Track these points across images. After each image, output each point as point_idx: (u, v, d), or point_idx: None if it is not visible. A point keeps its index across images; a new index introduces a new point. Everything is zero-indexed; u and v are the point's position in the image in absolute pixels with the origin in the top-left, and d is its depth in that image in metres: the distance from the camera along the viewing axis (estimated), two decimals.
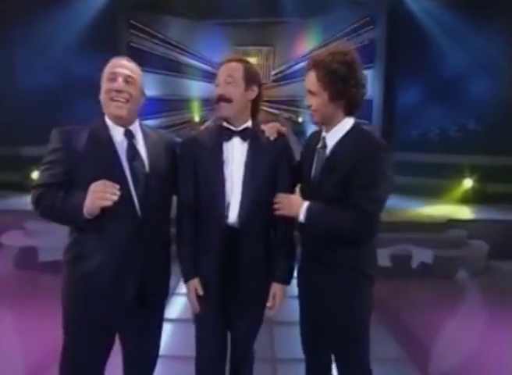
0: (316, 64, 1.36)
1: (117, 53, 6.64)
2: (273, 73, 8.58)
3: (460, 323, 2.86)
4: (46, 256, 3.76)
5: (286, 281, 1.53)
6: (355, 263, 1.40)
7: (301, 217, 1.37)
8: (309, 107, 1.42)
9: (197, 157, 1.47)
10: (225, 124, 1.49)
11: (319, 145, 1.46)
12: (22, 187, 6.03)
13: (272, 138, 1.51)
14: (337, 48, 1.39)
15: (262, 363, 1.84)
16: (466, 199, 5.88)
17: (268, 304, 1.50)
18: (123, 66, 1.39)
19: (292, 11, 7.68)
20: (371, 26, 7.44)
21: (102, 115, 1.42)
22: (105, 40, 7.13)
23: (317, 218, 1.35)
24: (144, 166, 1.40)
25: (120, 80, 1.36)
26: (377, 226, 1.33)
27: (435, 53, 6.28)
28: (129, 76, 1.39)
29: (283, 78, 8.42)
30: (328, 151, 1.41)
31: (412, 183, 6.54)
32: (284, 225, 1.51)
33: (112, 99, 1.36)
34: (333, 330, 1.44)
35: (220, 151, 1.46)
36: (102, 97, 1.39)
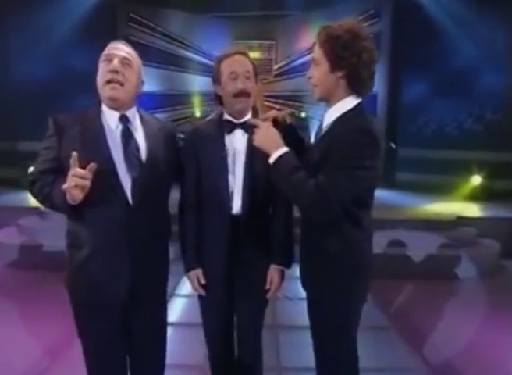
0: (321, 32, 1.30)
1: None
2: (275, 67, 8.43)
3: (471, 326, 2.75)
4: (42, 254, 3.65)
5: (284, 264, 1.56)
6: (344, 254, 1.33)
7: (271, 160, 1.29)
8: (309, 79, 1.35)
9: (199, 148, 1.51)
10: (226, 117, 1.53)
11: (318, 128, 1.41)
12: (18, 183, 5.92)
13: None
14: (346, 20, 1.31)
15: (268, 372, 1.74)
16: (474, 196, 5.75)
17: (267, 287, 1.54)
18: (119, 48, 1.36)
19: (294, 4, 7.54)
20: (376, 19, 7.27)
21: (99, 101, 1.39)
22: (104, 33, 6.99)
23: (282, 171, 1.28)
24: (138, 151, 1.37)
25: (116, 61, 1.33)
26: (333, 213, 1.24)
27: (444, 45, 6.12)
28: (126, 58, 1.35)
29: (286, 73, 8.27)
30: (323, 131, 1.35)
31: (418, 179, 6.42)
32: (283, 209, 1.56)
33: (107, 82, 1.32)
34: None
35: (222, 143, 1.50)
36: (98, 81, 1.35)
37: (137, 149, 1.37)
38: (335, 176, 1.21)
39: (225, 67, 1.47)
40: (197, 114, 8.13)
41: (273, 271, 1.55)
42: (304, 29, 8.19)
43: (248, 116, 1.52)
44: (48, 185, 1.31)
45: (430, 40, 6.30)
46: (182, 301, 2.97)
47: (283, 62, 8.37)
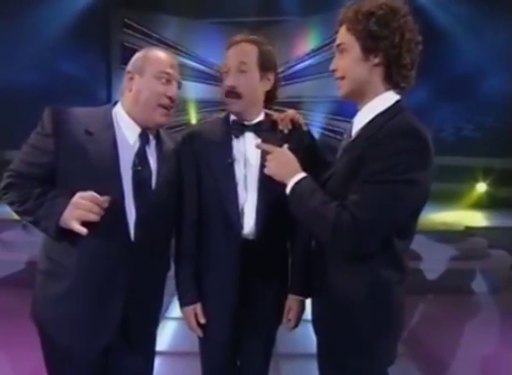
0: (347, 11, 1.03)
1: (110, 53, 6.32)
2: None
3: (483, 344, 2.58)
4: (24, 271, 3.40)
5: (304, 294, 1.32)
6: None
7: (287, 189, 1.03)
8: (334, 72, 1.06)
9: (201, 155, 1.25)
10: (233, 117, 1.29)
11: (346, 134, 1.13)
12: (2, 194, 5.68)
13: (286, 131, 1.27)
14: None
15: None
16: (479, 204, 5.58)
17: (285, 319, 1.34)
18: (177, 68, 1.20)
19: (291, 9, 7.46)
20: None
21: (114, 104, 1.20)
22: (98, 39, 6.86)
23: (299, 198, 1.01)
24: (151, 178, 1.16)
25: (175, 85, 1.19)
26: (365, 245, 0.93)
27: (445, 49, 5.99)
28: (180, 83, 1.22)
29: (284, 78, 8.11)
30: (351, 138, 1.06)
31: None
32: (303, 233, 1.29)
33: (160, 105, 1.15)
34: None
35: (229, 149, 1.25)
36: (146, 95, 1.14)
37: (150, 177, 1.16)
38: (367, 194, 0.90)
39: (226, 58, 1.24)
40: (193, 121, 7.98)
41: (293, 302, 1.33)
42: (302, 34, 8.10)
43: (260, 117, 1.28)
44: (33, 197, 1.08)
45: (430, 44, 6.11)
46: (173, 326, 2.68)
47: (281, 68, 8.20)
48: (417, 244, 3.81)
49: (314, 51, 7.71)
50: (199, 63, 8.16)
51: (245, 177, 1.24)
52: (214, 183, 1.23)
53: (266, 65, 1.23)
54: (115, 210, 1.08)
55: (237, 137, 1.26)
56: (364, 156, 0.94)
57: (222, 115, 1.34)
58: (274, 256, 1.30)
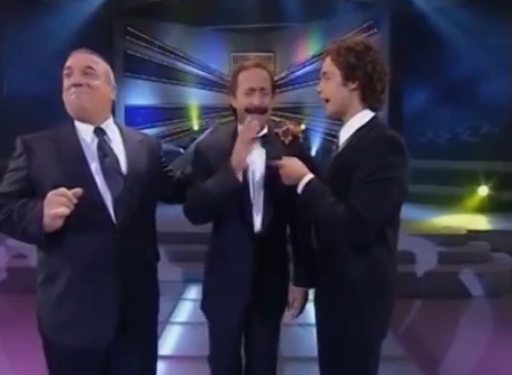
0: (332, 45, 1.28)
1: (113, 60, 6.34)
2: (274, 79, 8.34)
3: (485, 348, 2.57)
4: (30, 277, 3.44)
5: (306, 284, 1.48)
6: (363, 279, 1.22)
7: (299, 189, 1.26)
8: (320, 93, 1.31)
9: (215, 163, 1.39)
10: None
11: (334, 145, 1.37)
12: None
13: (287, 142, 1.47)
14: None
15: None
16: (482, 208, 5.57)
17: (290, 309, 1.50)
18: (79, 58, 1.26)
19: (292, 16, 7.49)
20: (375, 30, 7.21)
21: (71, 120, 1.29)
22: (101, 46, 6.86)
23: (311, 197, 1.24)
24: (118, 164, 1.25)
25: (76, 73, 1.23)
26: (369, 236, 1.16)
27: (444, 55, 6.05)
28: (88, 67, 1.25)
29: (285, 85, 8.19)
30: (339, 149, 1.30)
31: (423, 191, 6.23)
32: (303, 228, 1.48)
33: (71, 94, 1.23)
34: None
35: None
36: (63, 97, 1.26)
37: (117, 162, 1.25)
38: (365, 194, 1.12)
39: (242, 80, 1.40)
40: (195, 127, 8.01)
41: (296, 292, 1.49)
42: (302, 40, 8.16)
43: (265, 130, 1.45)
44: (15, 211, 1.13)
45: (431, 49, 6.22)
46: (177, 330, 2.70)
47: (282, 74, 8.29)
48: (420, 247, 3.85)
49: (314, 56, 7.76)
50: (201, 70, 8.23)
51: (253, 181, 1.42)
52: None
53: (274, 86, 1.46)
54: (92, 197, 1.16)
55: None
56: (353, 163, 1.16)
57: (230, 126, 1.51)
58: (278, 248, 1.47)
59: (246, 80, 1.39)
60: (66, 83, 1.24)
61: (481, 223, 4.96)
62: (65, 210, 1.05)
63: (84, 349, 1.19)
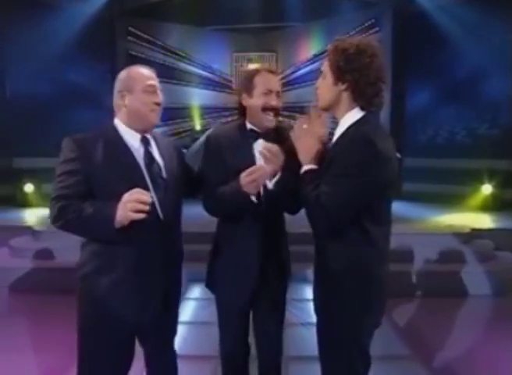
0: (331, 44, 1.34)
1: (116, 61, 6.39)
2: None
3: (490, 346, 2.55)
4: (32, 277, 3.45)
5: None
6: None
7: (301, 171, 1.33)
8: (316, 89, 1.39)
9: (227, 153, 1.54)
10: (250, 126, 1.58)
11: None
12: (12, 200, 5.74)
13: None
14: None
15: None
16: (485, 206, 5.55)
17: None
18: (156, 79, 1.44)
19: (294, 15, 7.48)
20: (377, 28, 7.18)
21: (110, 121, 1.44)
22: (103, 47, 6.93)
23: (303, 183, 1.32)
24: (161, 170, 1.42)
25: (159, 93, 1.42)
26: (332, 223, 1.24)
27: (447, 53, 6.03)
28: (160, 89, 1.45)
29: (287, 84, 8.18)
30: (331, 145, 1.39)
31: (426, 190, 6.23)
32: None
33: (152, 111, 1.40)
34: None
35: (251, 151, 1.54)
36: (138, 107, 1.39)
37: (160, 169, 1.42)
38: (333, 185, 1.21)
39: (260, 82, 1.53)
40: (198, 127, 8.01)
41: None
42: (304, 40, 8.15)
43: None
44: (85, 210, 1.27)
45: (431, 48, 6.21)
46: (181, 330, 2.64)
47: (284, 74, 8.29)
48: (423, 246, 3.83)
49: (316, 56, 7.75)
50: (203, 70, 8.24)
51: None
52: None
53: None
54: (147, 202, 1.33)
55: (253, 141, 1.56)
56: (333, 158, 1.26)
57: (237, 122, 1.63)
58: (280, 229, 1.62)
59: (264, 82, 1.52)
60: (148, 98, 1.38)
61: (484, 221, 4.94)
62: (142, 216, 1.23)
63: (124, 330, 1.37)
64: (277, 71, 1.62)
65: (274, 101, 1.52)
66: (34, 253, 3.69)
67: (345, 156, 1.21)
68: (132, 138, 1.40)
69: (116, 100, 1.41)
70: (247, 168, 1.44)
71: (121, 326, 1.36)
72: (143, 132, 1.42)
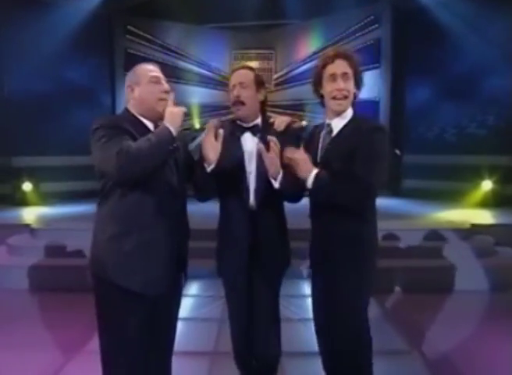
0: (345, 55, 1.58)
1: (114, 59, 6.38)
2: (275, 76, 8.32)
3: (491, 342, 2.53)
4: (32, 275, 3.44)
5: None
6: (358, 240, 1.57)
7: (309, 183, 1.51)
8: (343, 91, 1.57)
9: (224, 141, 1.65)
10: (238, 122, 1.73)
11: (324, 132, 1.65)
12: (11, 199, 5.73)
13: (278, 130, 1.71)
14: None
15: None
16: (485, 202, 5.53)
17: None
18: (159, 72, 1.57)
19: (292, 13, 7.45)
20: (376, 25, 7.17)
21: (126, 111, 1.55)
22: (101, 45, 6.92)
23: (323, 185, 1.50)
24: (177, 161, 1.56)
25: (164, 82, 1.54)
26: (375, 195, 1.56)
27: (447, 49, 6.00)
28: (164, 79, 1.58)
29: (285, 82, 8.16)
30: (334, 134, 1.61)
31: (425, 186, 6.22)
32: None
33: (160, 99, 1.51)
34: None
35: (239, 144, 1.69)
36: (147, 97, 1.51)
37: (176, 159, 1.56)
38: (370, 167, 1.48)
39: (231, 80, 1.72)
40: (197, 126, 7.99)
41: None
42: (303, 37, 8.12)
43: (257, 121, 1.73)
44: (139, 142, 1.40)
45: (433, 43, 6.18)
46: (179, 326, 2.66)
47: (283, 72, 8.27)
48: (423, 241, 3.81)
49: (315, 53, 7.72)
50: (201, 68, 8.21)
51: (249, 169, 1.69)
52: (231, 168, 1.64)
53: (259, 82, 1.72)
54: (167, 183, 1.51)
55: (240, 135, 1.70)
56: (356, 146, 1.51)
57: (230, 118, 1.78)
58: (273, 222, 1.72)
59: (232, 79, 1.72)
60: (154, 88, 1.51)
61: (485, 217, 4.91)
62: (182, 109, 1.47)
63: (141, 293, 1.43)
64: (250, 66, 1.80)
65: (235, 93, 1.67)
66: (33, 251, 3.68)
67: (368, 141, 1.50)
68: (149, 127, 1.54)
69: (127, 95, 1.55)
70: (237, 158, 1.65)
71: (149, 288, 1.44)
72: (155, 121, 1.54)
